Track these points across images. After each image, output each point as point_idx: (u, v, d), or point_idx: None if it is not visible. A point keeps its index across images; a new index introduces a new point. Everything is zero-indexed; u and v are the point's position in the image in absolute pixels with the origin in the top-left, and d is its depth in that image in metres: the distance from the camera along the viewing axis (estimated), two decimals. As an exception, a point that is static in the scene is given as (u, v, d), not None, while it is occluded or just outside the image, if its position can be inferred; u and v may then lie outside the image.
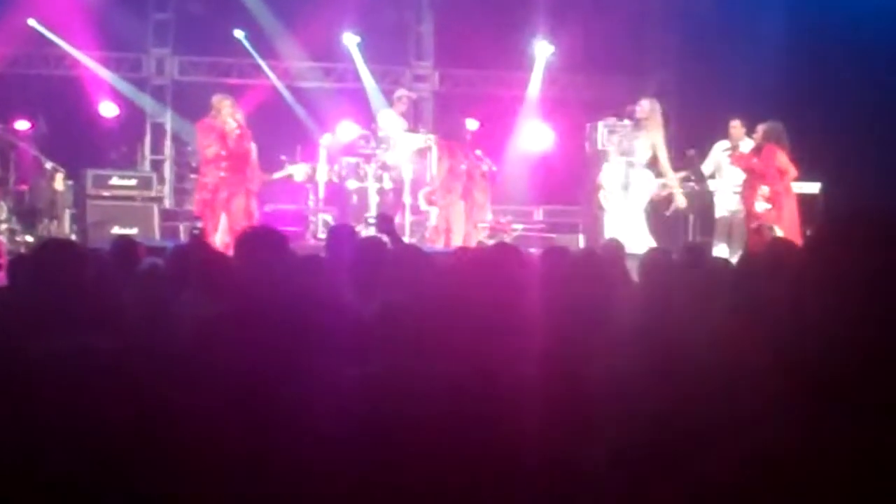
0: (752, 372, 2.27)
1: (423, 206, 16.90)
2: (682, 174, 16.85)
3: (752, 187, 15.25)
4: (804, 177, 16.03)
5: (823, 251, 2.09)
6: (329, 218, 16.91)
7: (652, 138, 15.99)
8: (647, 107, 16.11)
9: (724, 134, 16.33)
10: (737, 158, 15.64)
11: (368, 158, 16.93)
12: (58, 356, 3.26)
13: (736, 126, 16.08)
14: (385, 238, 9.10)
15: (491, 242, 13.59)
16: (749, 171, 15.30)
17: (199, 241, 12.06)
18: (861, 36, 17.18)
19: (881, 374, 1.96)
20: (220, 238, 14.48)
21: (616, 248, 11.85)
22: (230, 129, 14.92)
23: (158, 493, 3.09)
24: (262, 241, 5.98)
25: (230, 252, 8.00)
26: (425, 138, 17.70)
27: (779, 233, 14.26)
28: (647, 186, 16.46)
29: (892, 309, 1.98)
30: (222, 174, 14.98)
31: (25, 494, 2.99)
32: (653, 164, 16.18)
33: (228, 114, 15.00)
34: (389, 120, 17.36)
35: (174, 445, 3.24)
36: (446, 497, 3.23)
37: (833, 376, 1.99)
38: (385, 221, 10.54)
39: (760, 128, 15.20)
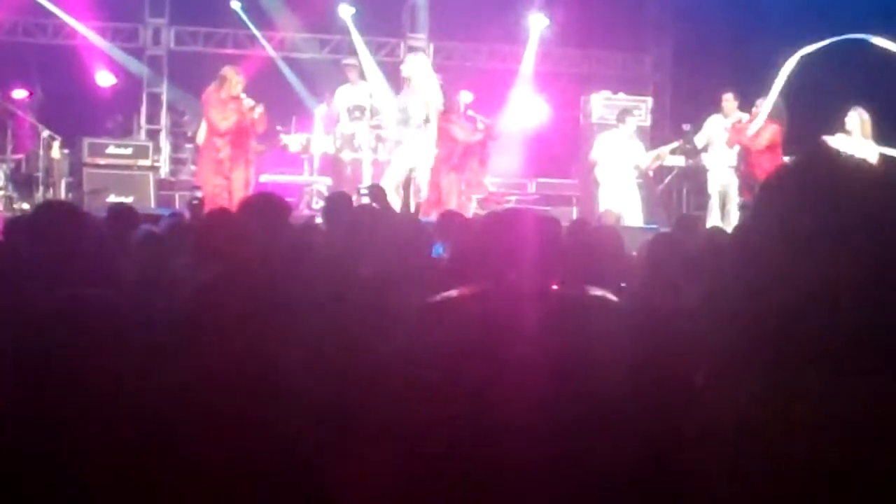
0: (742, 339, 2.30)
1: (423, 185, 17.00)
2: (673, 145, 16.99)
3: (747, 161, 15.33)
4: (795, 152, 16.09)
5: (767, 208, 2.11)
6: (323, 188, 16.96)
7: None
8: None
9: (718, 108, 16.41)
10: (736, 131, 15.66)
11: (363, 129, 16.99)
12: (55, 307, 3.34)
13: (728, 99, 16.15)
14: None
15: (483, 213, 13.66)
16: (746, 146, 15.35)
17: (197, 209, 12.13)
18: (857, 16, 17.20)
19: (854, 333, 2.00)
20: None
21: (612, 219, 12.00)
22: (247, 104, 15.01)
23: (153, 446, 3.17)
24: (263, 208, 6.04)
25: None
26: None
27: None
28: (637, 157, 16.58)
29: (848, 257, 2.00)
30: (229, 147, 15.06)
31: (23, 437, 3.07)
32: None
33: (241, 88, 15.09)
34: (342, 96, 17.43)
35: (171, 399, 3.31)
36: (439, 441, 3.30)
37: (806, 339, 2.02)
38: (377, 192, 10.60)
39: (762, 102, 15.25)
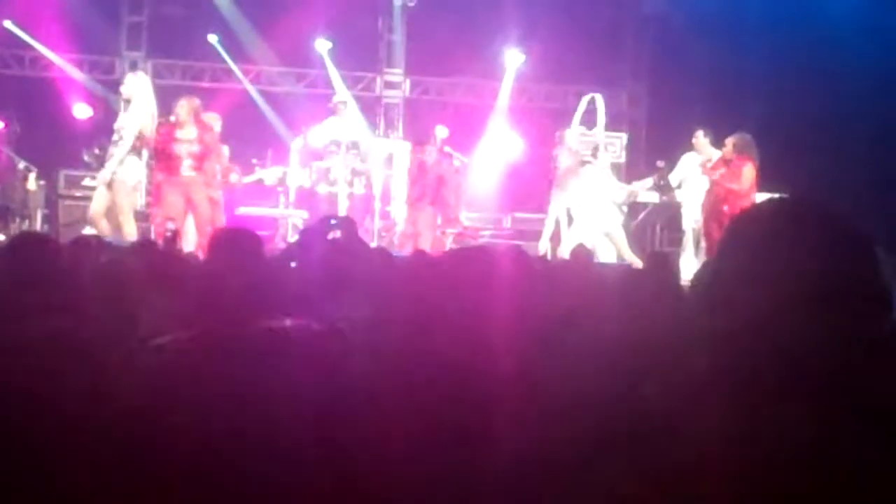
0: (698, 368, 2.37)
1: (399, 219, 17.08)
2: (648, 181, 17.03)
3: (713, 198, 15.26)
4: (770, 189, 16.15)
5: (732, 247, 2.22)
6: (299, 222, 16.98)
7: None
8: None
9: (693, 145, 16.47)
10: (710, 170, 15.62)
11: (339, 163, 17.04)
12: (28, 339, 3.36)
13: (700, 136, 16.19)
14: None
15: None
16: (717, 183, 15.29)
17: (171, 242, 12.11)
18: (830, 52, 17.33)
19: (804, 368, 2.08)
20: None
21: (584, 254, 12.00)
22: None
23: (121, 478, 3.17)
24: (235, 242, 6.02)
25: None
26: (396, 144, 17.85)
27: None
28: (611, 192, 16.62)
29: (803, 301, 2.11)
30: (158, 174, 14.86)
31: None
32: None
33: (178, 112, 14.70)
34: (325, 131, 17.47)
35: (141, 433, 3.31)
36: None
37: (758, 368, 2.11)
38: (348, 224, 10.55)
39: (730, 140, 15.15)
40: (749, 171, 15.05)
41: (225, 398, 3.24)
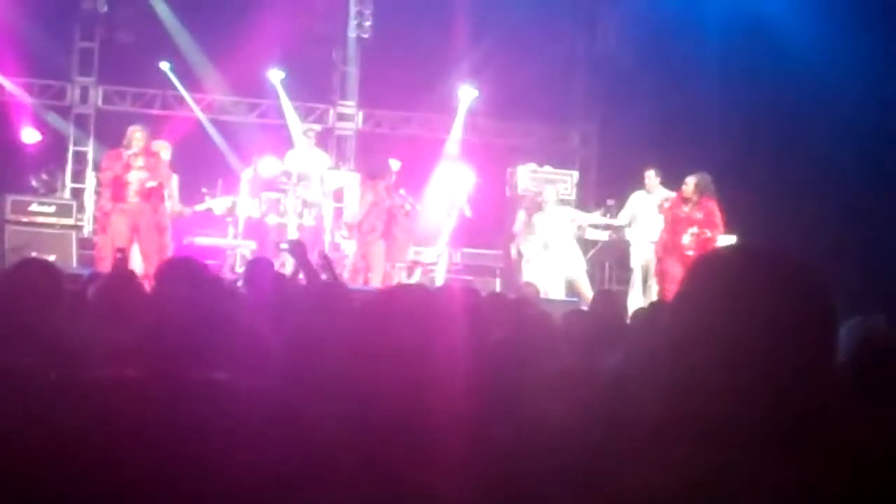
0: (644, 413, 2.38)
1: (345, 248, 17.02)
2: (595, 214, 17.09)
3: (671, 235, 15.17)
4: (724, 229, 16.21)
5: (691, 291, 2.24)
6: (247, 252, 16.90)
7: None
8: None
9: (643, 184, 16.50)
10: (667, 210, 15.51)
11: (289, 194, 17.02)
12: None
13: (650, 176, 16.23)
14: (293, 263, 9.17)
15: (409, 282, 13.67)
16: (678, 221, 15.08)
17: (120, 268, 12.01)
18: (784, 91, 17.43)
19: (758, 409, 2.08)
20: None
21: (531, 292, 12.01)
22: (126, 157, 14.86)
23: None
24: (183, 272, 5.97)
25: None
26: (347, 176, 17.84)
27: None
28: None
29: (761, 344, 2.11)
30: (105, 203, 15.00)
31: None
32: None
33: (136, 145, 14.86)
34: (298, 158, 17.52)
35: (77, 467, 3.26)
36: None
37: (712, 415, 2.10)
38: (298, 247, 10.50)
39: (691, 180, 15.02)
40: (717, 210, 15.02)
41: (159, 441, 3.20)
